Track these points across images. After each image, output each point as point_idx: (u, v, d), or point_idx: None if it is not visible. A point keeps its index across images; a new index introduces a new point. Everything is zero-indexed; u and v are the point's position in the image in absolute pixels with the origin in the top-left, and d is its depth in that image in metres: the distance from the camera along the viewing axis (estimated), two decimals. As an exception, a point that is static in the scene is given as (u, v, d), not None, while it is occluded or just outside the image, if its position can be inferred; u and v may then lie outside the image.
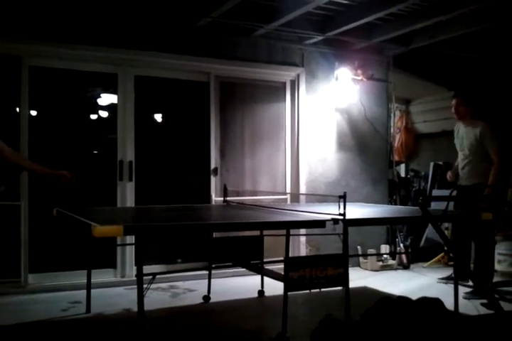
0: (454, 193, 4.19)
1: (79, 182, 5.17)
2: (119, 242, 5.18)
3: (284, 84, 6.15)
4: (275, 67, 5.96)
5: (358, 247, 6.10)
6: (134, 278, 3.08)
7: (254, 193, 5.85)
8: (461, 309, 3.94)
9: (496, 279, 5.04)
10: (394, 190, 6.70)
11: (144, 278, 3.01)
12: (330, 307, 3.66)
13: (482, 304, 4.32)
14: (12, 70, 4.92)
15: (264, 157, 6.03)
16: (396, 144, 7.85)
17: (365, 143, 6.45)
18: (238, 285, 5.18)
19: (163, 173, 5.68)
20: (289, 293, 3.30)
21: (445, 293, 4.14)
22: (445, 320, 2.50)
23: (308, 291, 3.38)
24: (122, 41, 5.19)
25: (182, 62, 5.52)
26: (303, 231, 5.64)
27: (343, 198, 3.36)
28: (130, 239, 4.89)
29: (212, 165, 5.71)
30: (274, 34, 5.79)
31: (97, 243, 4.08)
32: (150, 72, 5.49)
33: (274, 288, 4.20)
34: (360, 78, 6.22)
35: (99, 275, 5.05)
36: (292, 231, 3.95)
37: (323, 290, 3.42)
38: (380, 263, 6.07)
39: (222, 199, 5.24)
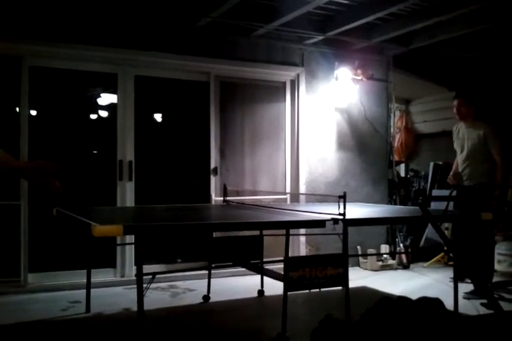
0: (454, 193, 4.19)
1: (79, 181, 5.20)
2: (118, 242, 5.18)
3: (284, 84, 6.15)
4: (275, 67, 5.96)
5: (358, 247, 6.10)
6: (134, 278, 3.08)
7: (254, 193, 5.85)
8: (461, 309, 3.94)
9: (495, 279, 5.04)
10: (394, 190, 6.70)
11: (144, 277, 3.01)
12: (330, 307, 3.67)
13: (482, 304, 4.32)
14: (12, 70, 4.92)
15: (264, 157, 6.03)
16: (396, 144, 7.85)
17: (365, 143, 6.45)
18: (238, 284, 5.18)
19: (163, 173, 5.68)
20: (288, 293, 3.30)
21: (445, 293, 4.14)
22: (445, 320, 2.50)
23: (307, 291, 3.38)
24: (122, 41, 5.19)
25: (182, 62, 5.52)
26: (303, 231, 5.64)
27: (342, 198, 3.36)
28: (130, 238, 4.88)
29: (212, 165, 5.71)
30: (274, 34, 5.79)
31: (96, 242, 4.08)
32: (150, 72, 5.49)
33: (274, 287, 4.20)
34: (360, 78, 6.22)
35: (99, 275, 5.05)
36: (292, 231, 3.95)
37: (322, 290, 3.42)
38: (380, 263, 6.07)
39: (222, 199, 5.24)
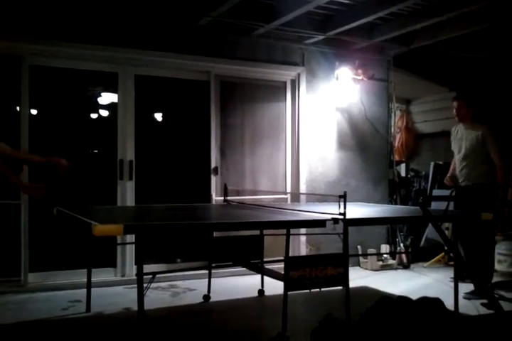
0: (454, 193, 4.20)
1: (80, 181, 5.19)
2: (119, 241, 5.18)
3: (285, 83, 6.15)
4: (275, 67, 5.96)
5: (358, 247, 6.10)
6: (134, 277, 3.08)
7: (255, 193, 5.85)
8: (461, 309, 3.94)
9: (496, 279, 5.04)
10: (394, 190, 6.70)
11: (144, 277, 3.01)
12: (330, 306, 3.67)
13: (482, 304, 4.32)
14: (12, 69, 4.92)
15: (264, 156, 6.03)
16: (396, 144, 7.84)
17: (365, 143, 6.45)
18: (238, 284, 5.18)
19: (164, 172, 5.68)
20: (289, 293, 3.30)
21: (445, 293, 4.15)
22: (445, 320, 2.50)
23: (308, 291, 3.38)
24: (123, 40, 5.19)
25: (182, 62, 5.51)
26: (303, 230, 5.64)
27: (343, 198, 3.36)
28: (130, 238, 4.88)
29: (213, 165, 5.71)
30: (275, 33, 5.78)
31: (97, 242, 4.08)
32: (150, 71, 5.49)
33: (274, 287, 4.20)
34: (360, 78, 6.22)
35: (100, 275, 5.05)
36: (292, 231, 3.96)
37: (323, 289, 3.42)
38: (380, 262, 6.07)
39: (222, 198, 5.24)
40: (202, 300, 4.55)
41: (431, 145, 8.11)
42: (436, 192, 7.05)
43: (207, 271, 4.60)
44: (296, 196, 6.07)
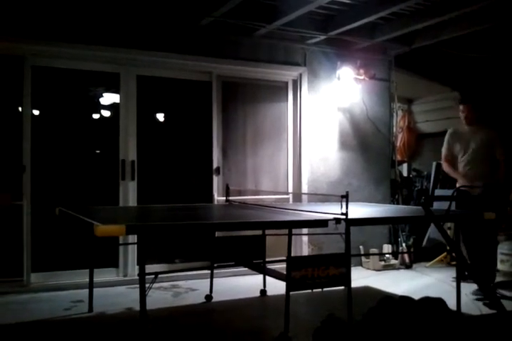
0: (460, 192, 4.20)
1: (82, 181, 5.21)
2: (121, 241, 5.19)
3: (286, 83, 6.15)
4: (277, 67, 5.96)
5: (360, 247, 6.10)
6: (136, 278, 3.08)
7: (257, 193, 5.86)
8: (464, 309, 3.94)
9: (498, 279, 5.03)
10: (396, 190, 6.70)
11: (146, 277, 3.01)
12: (332, 306, 3.67)
13: (485, 304, 4.32)
14: (15, 70, 4.93)
15: (266, 156, 6.03)
16: (398, 144, 7.84)
17: (367, 143, 6.44)
18: (240, 284, 5.18)
19: (166, 173, 5.69)
20: (291, 293, 3.30)
21: (447, 293, 4.14)
22: (448, 320, 2.50)
23: (310, 291, 3.38)
24: (124, 41, 5.20)
25: (184, 62, 5.52)
26: (305, 230, 5.65)
27: (345, 198, 3.36)
28: (132, 238, 4.89)
29: (215, 165, 5.71)
30: (276, 34, 5.78)
31: (99, 242, 4.08)
32: (152, 72, 5.50)
33: (276, 287, 4.20)
34: (362, 77, 6.22)
35: (102, 275, 5.06)
36: (294, 231, 3.95)
37: (325, 289, 3.42)
38: (383, 262, 6.06)
39: (224, 198, 5.24)
40: (204, 300, 4.56)
41: (433, 145, 8.08)
42: (438, 192, 7.03)
43: (209, 271, 4.61)
44: (298, 196, 6.07)
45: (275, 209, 4.25)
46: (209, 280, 4.61)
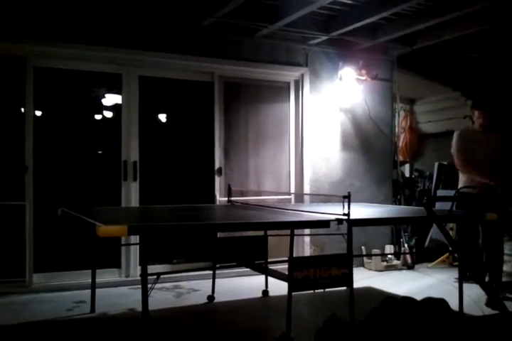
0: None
1: (84, 182, 5.21)
2: (123, 242, 5.19)
3: (288, 84, 6.15)
4: (279, 67, 5.96)
5: (363, 247, 6.09)
6: (139, 278, 3.08)
7: (259, 193, 5.86)
8: (466, 309, 3.93)
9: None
10: (398, 190, 6.69)
11: (149, 277, 3.01)
12: (334, 307, 3.67)
13: (487, 304, 4.31)
14: (17, 71, 4.94)
15: (268, 157, 6.03)
16: (400, 144, 7.83)
17: (369, 143, 6.44)
18: (242, 285, 5.18)
19: (168, 173, 5.69)
20: (293, 293, 3.30)
21: (450, 294, 4.13)
22: (450, 321, 2.50)
23: (312, 291, 3.38)
24: (126, 41, 5.20)
25: (186, 63, 5.52)
26: (307, 231, 5.64)
27: (347, 198, 3.36)
28: (134, 238, 4.89)
29: (217, 165, 5.72)
30: (278, 34, 5.79)
31: (101, 243, 4.09)
32: (154, 73, 5.50)
33: (279, 288, 4.19)
34: (364, 78, 6.21)
35: (104, 275, 5.06)
36: (296, 231, 3.95)
37: (327, 290, 3.42)
38: (385, 263, 6.06)
39: (226, 199, 5.24)
40: (206, 301, 4.56)
41: (435, 146, 8.09)
42: (440, 193, 7.03)
43: (211, 272, 4.61)
44: (299, 196, 6.07)
45: (277, 209, 4.25)
46: (211, 280, 4.61)
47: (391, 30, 5.86)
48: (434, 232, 6.44)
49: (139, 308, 3.14)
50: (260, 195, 5.85)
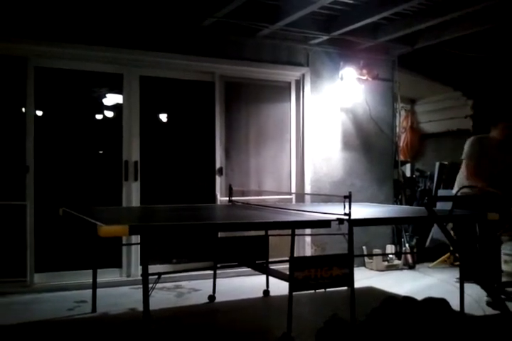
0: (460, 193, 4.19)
1: (85, 182, 5.22)
2: (124, 242, 5.20)
3: (289, 83, 6.15)
4: (280, 67, 5.96)
5: (364, 247, 6.09)
6: (140, 278, 3.09)
7: (260, 193, 5.86)
8: (467, 309, 3.93)
9: (501, 279, 5.02)
10: (399, 190, 6.69)
11: (150, 277, 3.02)
12: (335, 307, 3.66)
13: (488, 304, 4.31)
14: (18, 71, 4.94)
15: (269, 157, 6.03)
16: (401, 144, 7.82)
17: (370, 143, 6.44)
18: (243, 285, 5.18)
19: (169, 173, 5.69)
20: (294, 293, 3.30)
21: (451, 294, 4.13)
22: (451, 321, 2.50)
23: (313, 291, 3.38)
24: (127, 41, 5.21)
25: (187, 62, 5.52)
26: (308, 231, 5.64)
27: (348, 198, 3.36)
28: (135, 238, 4.90)
29: (218, 165, 5.72)
30: (279, 34, 5.79)
31: (102, 242, 4.09)
32: (155, 72, 5.50)
33: (279, 287, 4.20)
34: (365, 78, 6.21)
35: (105, 275, 5.07)
36: (297, 231, 3.95)
37: (328, 290, 3.42)
38: (386, 263, 6.06)
39: (227, 199, 5.24)
40: (207, 301, 4.56)
41: (436, 145, 8.08)
42: (441, 193, 7.02)
43: (212, 272, 4.61)
44: (300, 196, 6.07)
45: (278, 209, 4.25)
46: (212, 280, 4.61)
47: (392, 30, 5.86)
48: (435, 232, 6.44)
49: (140, 308, 3.14)
50: (261, 195, 5.85)
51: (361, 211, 4.11)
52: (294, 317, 3.36)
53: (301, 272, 3.25)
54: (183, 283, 5.22)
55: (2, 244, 4.83)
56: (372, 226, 5.61)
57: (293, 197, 6.09)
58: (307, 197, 6.01)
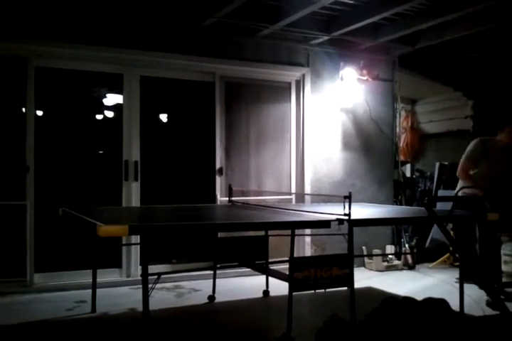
0: (460, 193, 4.19)
1: (85, 181, 5.22)
2: (124, 242, 5.19)
3: (289, 84, 6.15)
4: (280, 67, 5.96)
5: (363, 247, 6.09)
6: (139, 278, 3.09)
7: (259, 193, 5.86)
8: (467, 310, 3.93)
9: (501, 280, 5.02)
10: (399, 190, 6.69)
11: (149, 277, 3.02)
12: (335, 307, 3.66)
13: (488, 305, 4.31)
14: (18, 71, 4.94)
15: (269, 157, 6.03)
16: (401, 144, 7.82)
17: (370, 143, 6.44)
18: (243, 285, 5.18)
19: (169, 173, 5.69)
20: (293, 293, 3.30)
21: (450, 294, 4.13)
22: (450, 321, 2.49)
23: (313, 291, 3.38)
24: (128, 41, 5.21)
25: (187, 63, 5.52)
26: (308, 231, 5.64)
27: (348, 198, 3.35)
28: (135, 238, 4.90)
29: (218, 165, 5.72)
30: (280, 34, 5.79)
31: (102, 242, 4.09)
32: (155, 73, 5.50)
33: (279, 288, 4.20)
34: (365, 78, 6.21)
35: (105, 275, 5.06)
36: (297, 232, 3.96)
37: (328, 290, 3.42)
38: (385, 263, 6.06)
39: (227, 199, 5.24)
40: (207, 301, 4.56)
41: (436, 146, 8.08)
42: (441, 193, 7.02)
43: (212, 272, 4.61)
44: (300, 196, 6.06)
45: (278, 209, 4.25)
46: (212, 280, 4.61)
47: (392, 30, 5.86)
48: (434, 232, 6.44)
49: (140, 308, 3.14)
50: (261, 195, 5.85)
51: (361, 211, 4.11)
52: (294, 317, 3.37)
53: (301, 272, 3.25)
54: (182, 283, 5.21)
55: (2, 243, 4.84)
56: (372, 226, 5.61)
57: (293, 197, 6.09)
58: (307, 198, 6.01)
